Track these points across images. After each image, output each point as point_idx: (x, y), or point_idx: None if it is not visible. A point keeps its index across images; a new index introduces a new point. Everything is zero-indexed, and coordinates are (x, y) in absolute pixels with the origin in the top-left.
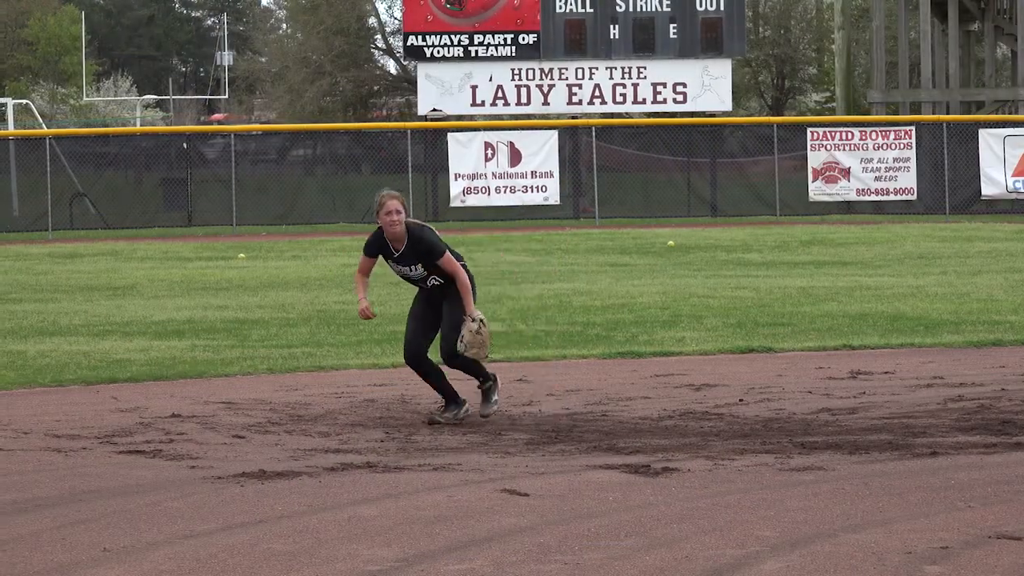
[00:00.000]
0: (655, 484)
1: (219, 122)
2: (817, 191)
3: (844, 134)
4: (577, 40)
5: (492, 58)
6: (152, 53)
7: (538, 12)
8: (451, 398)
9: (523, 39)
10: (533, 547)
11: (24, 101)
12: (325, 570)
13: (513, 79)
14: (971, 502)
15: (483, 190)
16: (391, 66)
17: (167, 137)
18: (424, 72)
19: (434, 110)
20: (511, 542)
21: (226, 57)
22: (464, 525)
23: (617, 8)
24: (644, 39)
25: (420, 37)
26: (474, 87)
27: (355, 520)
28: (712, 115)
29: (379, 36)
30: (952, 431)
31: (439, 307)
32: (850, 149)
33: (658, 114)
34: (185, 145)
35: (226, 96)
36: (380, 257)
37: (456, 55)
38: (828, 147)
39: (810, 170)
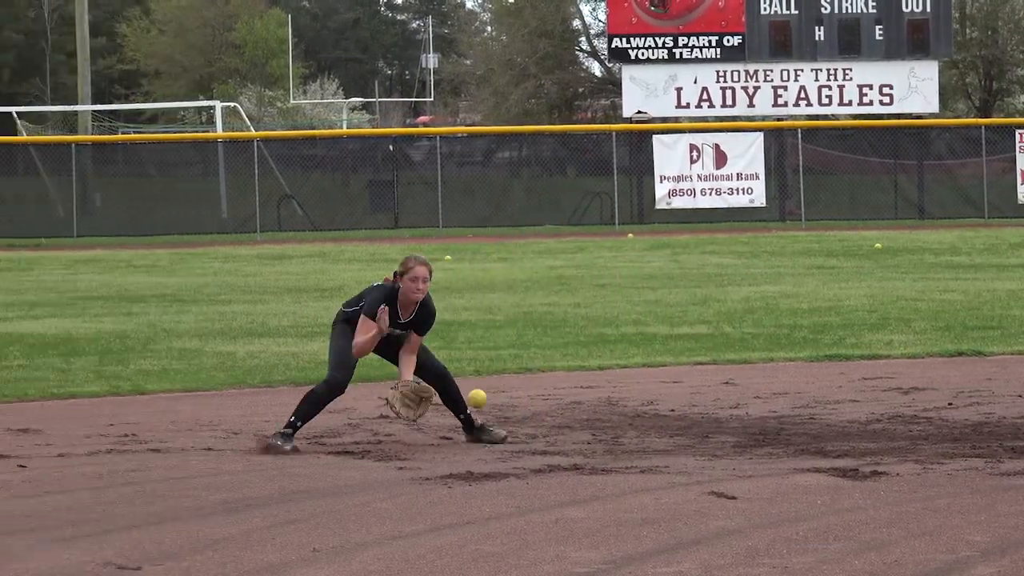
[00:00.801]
0: (863, 488)
1: (425, 124)
2: None
3: None
4: (782, 42)
5: (697, 60)
6: (358, 56)
7: (743, 14)
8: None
9: (728, 41)
10: (741, 550)
11: (232, 104)
12: (532, 572)
13: (718, 81)
14: None
15: (688, 192)
16: (596, 68)
17: (373, 139)
18: (629, 74)
19: (639, 112)
20: (719, 545)
21: (431, 60)
22: (671, 528)
23: (822, 9)
24: (849, 40)
25: (624, 39)
26: (679, 89)
27: (562, 522)
28: (919, 117)
29: (583, 38)
30: None
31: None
32: None
33: (864, 116)
34: (391, 147)
35: (431, 99)
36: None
37: (660, 57)
38: None
39: (1019, 172)
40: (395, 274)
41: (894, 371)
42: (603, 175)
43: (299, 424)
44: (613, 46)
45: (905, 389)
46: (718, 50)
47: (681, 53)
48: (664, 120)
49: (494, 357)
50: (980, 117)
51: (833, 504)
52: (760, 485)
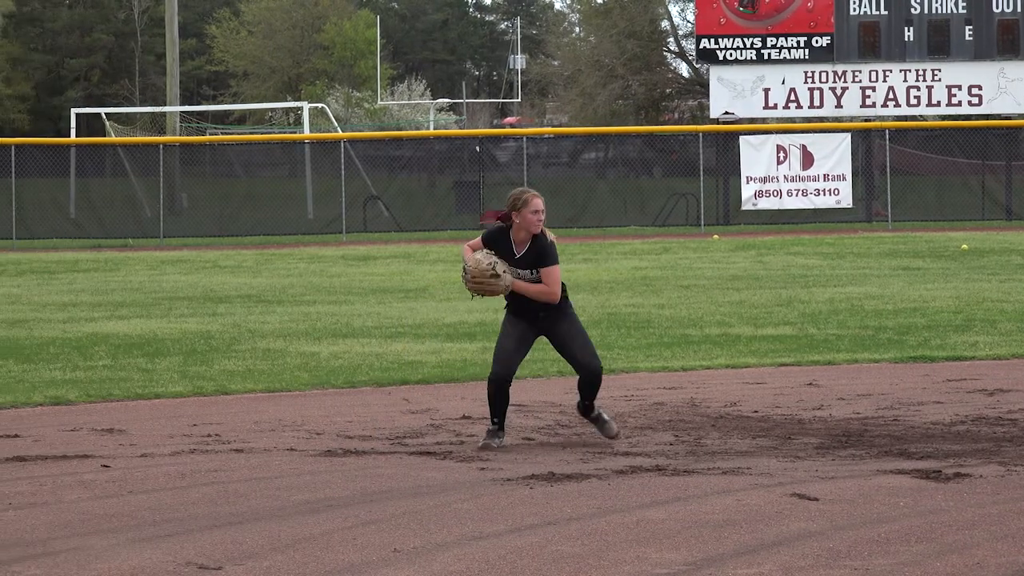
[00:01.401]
0: (946, 490)
1: (512, 125)
2: None
3: None
4: (871, 42)
5: (785, 61)
6: (446, 57)
7: (832, 14)
8: (501, 427)
9: (816, 41)
10: (822, 552)
11: (320, 105)
12: (613, 572)
13: (806, 82)
14: None
15: (775, 193)
16: (683, 69)
17: (460, 140)
18: (716, 75)
19: (726, 113)
20: (800, 547)
21: (519, 61)
22: (753, 529)
23: (912, 10)
24: (939, 41)
25: (713, 40)
26: (767, 90)
27: (643, 523)
28: (1008, 118)
29: (671, 39)
30: None
31: (533, 334)
32: None
33: (952, 117)
34: (478, 148)
35: (519, 99)
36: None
37: (749, 58)
38: None
39: None
40: (503, 215)
41: (979, 373)
42: (689, 176)
43: (496, 419)
44: (701, 47)
45: (990, 391)
46: (806, 51)
47: (769, 54)
48: (751, 121)
49: None
50: None
51: (915, 506)
52: (842, 487)
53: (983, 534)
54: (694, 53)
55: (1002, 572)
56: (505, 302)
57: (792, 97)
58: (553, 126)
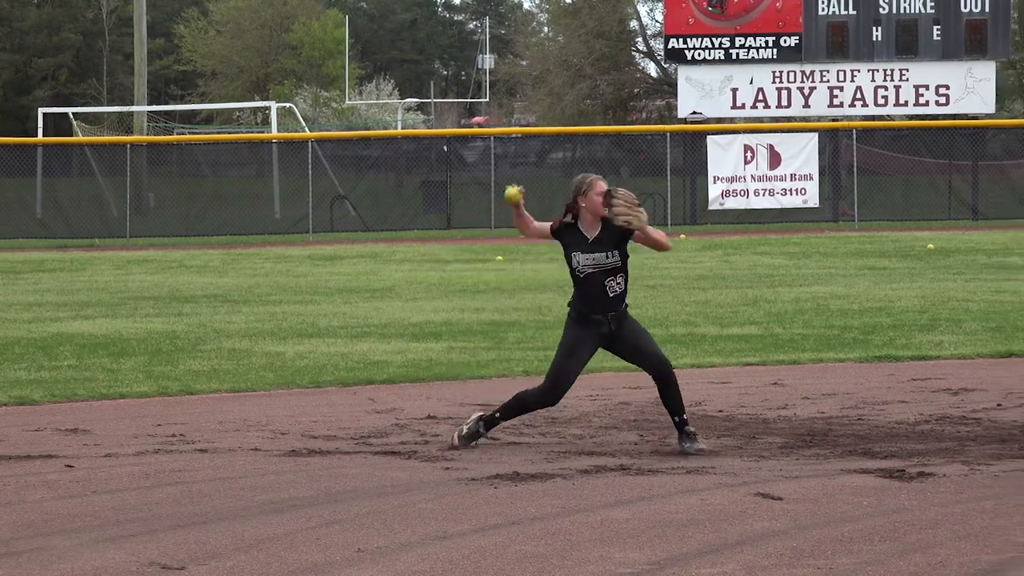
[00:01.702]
0: (910, 489)
1: (479, 125)
2: None
3: None
4: (839, 42)
5: (753, 61)
6: (414, 57)
7: (800, 14)
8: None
9: (784, 41)
10: (786, 551)
11: (287, 105)
12: (577, 572)
13: (774, 81)
14: None
15: (741, 193)
16: (651, 69)
17: (428, 140)
18: (684, 75)
19: (694, 113)
20: (764, 546)
21: (487, 60)
22: (716, 529)
23: (880, 10)
24: (907, 41)
25: (681, 40)
26: (734, 90)
27: (607, 523)
28: (975, 117)
29: (640, 39)
30: None
31: (596, 347)
32: None
33: (920, 116)
34: (445, 148)
35: (486, 99)
36: (559, 244)
37: (717, 58)
38: None
39: None
40: (567, 207)
41: (944, 372)
42: (656, 176)
43: (498, 416)
44: (669, 47)
45: (954, 390)
46: (775, 51)
47: (737, 54)
48: (719, 121)
49: (544, 358)
50: None
51: (879, 505)
52: (806, 486)
53: (946, 533)
54: (662, 53)
55: (965, 571)
56: (569, 308)
57: (760, 97)
58: (521, 126)
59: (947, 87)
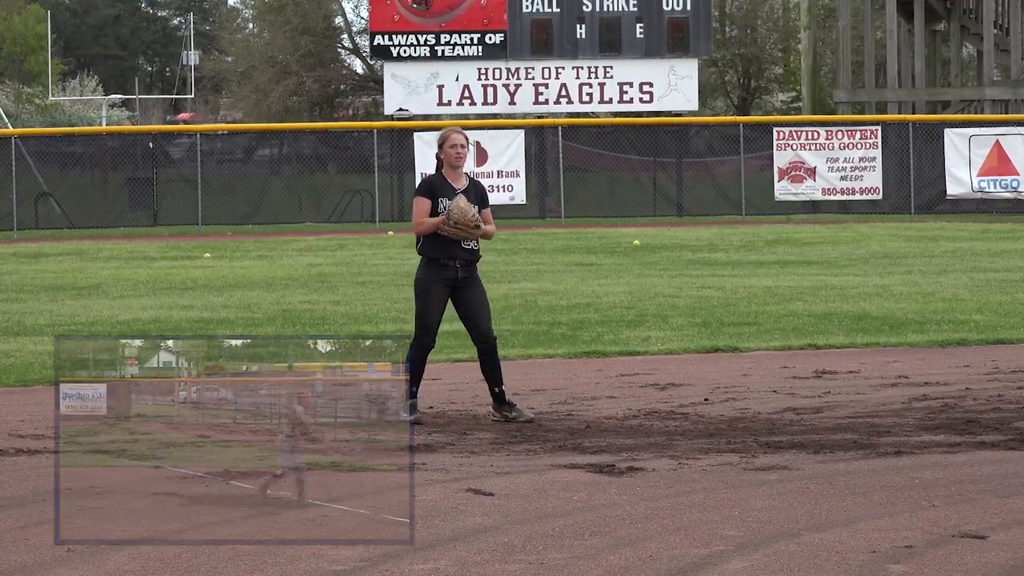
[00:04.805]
0: (620, 484)
1: (185, 122)
2: (783, 191)
3: (810, 133)
4: (544, 40)
5: (459, 58)
6: (118, 53)
7: (505, 12)
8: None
9: (490, 39)
10: (498, 547)
11: None
12: (289, 569)
13: (480, 79)
14: (935, 501)
15: None
16: (357, 66)
17: (133, 137)
18: (390, 72)
19: (400, 110)
20: (476, 541)
21: (192, 57)
22: (429, 525)
23: (584, 8)
24: (610, 39)
25: (386, 37)
26: (440, 87)
27: (320, 519)
28: (678, 115)
29: (345, 36)
30: (917, 430)
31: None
32: (816, 149)
33: (624, 114)
34: (151, 145)
35: (192, 96)
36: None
37: (423, 55)
38: (794, 147)
39: (776, 170)
40: (437, 157)
41: (651, 367)
42: (364, 172)
43: (415, 389)
44: (375, 43)
45: (662, 385)
46: (480, 48)
47: (443, 51)
48: (426, 118)
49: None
50: (739, 115)
51: (589, 500)
52: (517, 482)
53: (656, 527)
54: (368, 50)
55: (674, 564)
56: (421, 262)
57: (466, 94)
58: (227, 123)
59: (651, 84)
